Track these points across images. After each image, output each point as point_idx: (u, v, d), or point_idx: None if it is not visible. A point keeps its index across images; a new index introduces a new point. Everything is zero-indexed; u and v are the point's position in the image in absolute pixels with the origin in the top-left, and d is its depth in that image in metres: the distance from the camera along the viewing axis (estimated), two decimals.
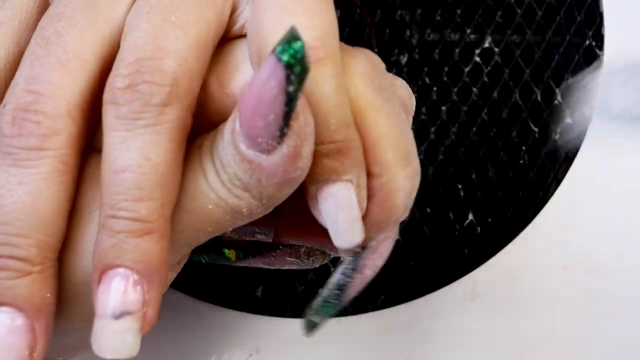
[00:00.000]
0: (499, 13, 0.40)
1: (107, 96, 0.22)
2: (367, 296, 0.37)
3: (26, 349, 0.22)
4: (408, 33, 0.40)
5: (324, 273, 0.37)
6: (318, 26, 0.23)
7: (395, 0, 0.40)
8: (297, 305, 0.37)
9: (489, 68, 0.39)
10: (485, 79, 0.39)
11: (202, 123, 0.24)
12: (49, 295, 0.22)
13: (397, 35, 0.40)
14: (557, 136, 0.39)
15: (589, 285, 0.37)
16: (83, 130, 0.23)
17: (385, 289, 0.37)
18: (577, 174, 0.38)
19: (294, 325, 0.36)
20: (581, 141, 0.38)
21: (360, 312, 0.36)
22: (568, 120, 0.39)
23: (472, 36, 0.40)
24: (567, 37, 0.40)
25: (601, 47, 0.39)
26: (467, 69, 0.39)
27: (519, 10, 0.40)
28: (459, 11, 0.40)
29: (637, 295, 0.37)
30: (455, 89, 0.39)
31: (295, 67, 0.21)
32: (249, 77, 0.24)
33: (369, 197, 0.24)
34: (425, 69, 0.39)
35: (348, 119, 0.23)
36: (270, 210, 0.23)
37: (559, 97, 0.39)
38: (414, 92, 0.39)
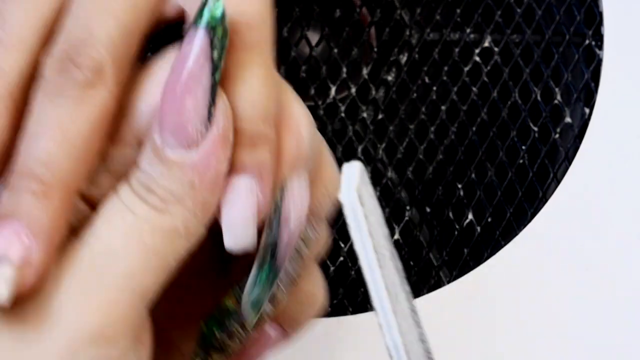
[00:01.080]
0: (499, 13, 0.40)
1: (36, 75, 0.23)
2: (367, 296, 0.37)
3: None
4: (408, 33, 0.40)
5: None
6: (249, 11, 0.23)
7: (395, 0, 0.40)
8: None
9: (488, 68, 0.39)
10: (485, 79, 0.39)
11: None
12: (58, 221, 0.22)
13: (397, 35, 0.40)
14: (557, 136, 0.39)
15: (589, 285, 0.37)
16: (22, 109, 0.23)
17: None
18: (577, 174, 0.38)
19: None
20: (581, 141, 0.38)
21: (360, 311, 0.36)
22: (568, 120, 0.39)
23: (471, 36, 0.40)
24: (567, 37, 0.40)
25: (601, 47, 0.39)
26: (466, 69, 0.39)
27: (518, 10, 0.40)
28: (458, 11, 0.40)
29: (637, 295, 0.37)
30: (455, 89, 0.39)
31: (217, 28, 0.21)
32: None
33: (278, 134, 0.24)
34: (425, 69, 0.39)
35: (269, 113, 0.23)
36: (205, 224, 0.23)
37: (558, 97, 0.39)
38: (414, 92, 0.39)
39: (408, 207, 0.38)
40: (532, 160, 0.38)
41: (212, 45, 0.22)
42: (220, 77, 0.22)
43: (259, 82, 0.23)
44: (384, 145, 0.38)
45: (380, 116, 0.39)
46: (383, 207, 0.38)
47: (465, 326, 0.36)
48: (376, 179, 0.38)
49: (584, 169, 0.38)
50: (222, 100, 0.22)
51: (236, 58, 0.23)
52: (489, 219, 0.38)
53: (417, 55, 0.39)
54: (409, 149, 0.38)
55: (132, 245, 0.22)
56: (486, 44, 0.40)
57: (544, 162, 0.38)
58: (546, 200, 0.38)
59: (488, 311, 0.36)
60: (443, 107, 0.39)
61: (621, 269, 0.37)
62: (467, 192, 0.38)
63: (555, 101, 0.39)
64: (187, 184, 0.22)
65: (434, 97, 0.39)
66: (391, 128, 0.39)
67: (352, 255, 0.37)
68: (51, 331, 0.21)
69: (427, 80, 0.39)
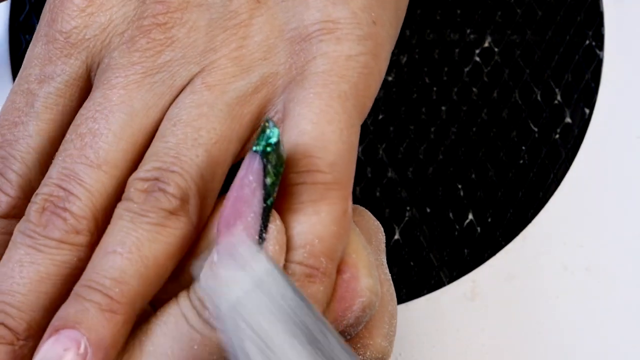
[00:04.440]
0: (499, 13, 0.40)
1: (123, 195, 0.24)
2: None
3: None
4: (407, 33, 0.40)
5: None
6: (330, 150, 0.24)
7: None
8: None
9: (488, 68, 0.39)
10: (485, 79, 0.39)
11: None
12: None
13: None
14: (557, 136, 0.39)
15: (589, 285, 0.37)
16: (102, 230, 0.24)
17: None
18: (577, 174, 0.38)
19: None
20: (581, 141, 0.38)
21: None
22: (568, 120, 0.39)
23: (472, 36, 0.40)
24: (567, 37, 0.40)
25: (601, 47, 0.39)
26: (467, 69, 0.39)
27: (519, 10, 0.40)
28: (458, 11, 0.40)
29: (637, 295, 0.37)
30: (455, 89, 0.39)
31: (270, 155, 0.22)
32: None
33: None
34: (425, 69, 0.39)
35: (334, 251, 0.24)
36: None
37: (558, 97, 0.39)
38: (413, 92, 0.39)
39: (408, 207, 0.38)
40: (532, 160, 0.38)
41: (265, 172, 0.22)
42: (273, 203, 0.22)
43: (330, 218, 0.23)
44: (384, 145, 0.38)
45: (380, 116, 0.39)
46: (383, 207, 0.38)
47: (465, 326, 0.36)
48: (376, 179, 0.38)
49: (584, 169, 0.38)
50: (275, 225, 0.23)
51: (314, 191, 0.23)
52: (489, 219, 0.38)
53: (417, 56, 0.39)
54: (409, 149, 0.38)
55: (179, 353, 0.23)
56: (486, 44, 0.40)
57: (544, 162, 0.38)
58: (546, 200, 0.38)
59: (488, 311, 0.36)
60: (443, 108, 0.39)
61: (621, 269, 0.37)
62: (467, 192, 0.38)
63: (555, 101, 0.39)
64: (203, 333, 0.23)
65: (434, 97, 0.39)
66: (391, 128, 0.39)
67: None
68: None
69: (427, 80, 0.39)
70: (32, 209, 0.24)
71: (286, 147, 0.24)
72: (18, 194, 0.25)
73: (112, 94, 0.25)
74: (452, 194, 0.38)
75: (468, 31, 0.40)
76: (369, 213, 0.28)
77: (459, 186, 0.38)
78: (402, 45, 0.39)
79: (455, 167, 0.38)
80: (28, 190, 0.25)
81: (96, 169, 0.24)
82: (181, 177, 0.24)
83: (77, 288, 0.23)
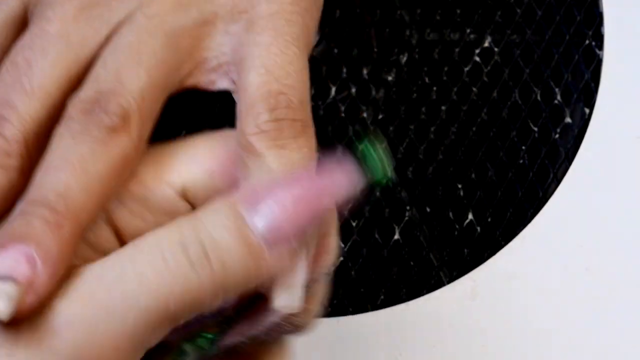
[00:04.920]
0: (499, 13, 0.40)
1: (62, 116, 0.24)
2: (366, 296, 0.37)
3: None
4: (408, 33, 0.40)
5: None
6: (297, 89, 0.25)
7: (395, 0, 0.40)
8: None
9: (488, 68, 0.39)
10: (485, 79, 0.39)
11: (147, 221, 0.25)
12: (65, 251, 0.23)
13: (397, 35, 0.40)
14: (557, 136, 0.39)
15: (589, 285, 0.37)
16: (37, 153, 0.24)
17: (385, 289, 0.37)
18: (577, 174, 0.38)
19: None
20: (581, 141, 0.38)
21: (360, 311, 0.36)
22: (568, 120, 0.39)
23: (471, 36, 0.40)
24: (567, 37, 0.40)
25: (601, 47, 0.39)
26: (466, 69, 0.39)
27: (518, 10, 0.40)
28: (458, 11, 0.40)
29: (637, 295, 0.37)
30: (455, 89, 0.39)
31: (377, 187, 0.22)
32: (186, 174, 0.25)
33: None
34: (425, 69, 0.39)
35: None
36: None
37: (558, 97, 0.39)
38: (413, 92, 0.39)
39: (408, 207, 0.38)
40: (532, 160, 0.38)
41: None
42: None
43: (310, 155, 0.25)
44: (384, 145, 0.38)
45: (380, 116, 0.39)
46: (383, 207, 0.38)
47: (465, 326, 0.36)
48: None
49: (584, 169, 0.38)
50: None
51: (294, 128, 0.24)
52: (489, 219, 0.38)
53: (417, 55, 0.39)
54: (409, 149, 0.38)
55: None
56: (486, 44, 0.40)
57: (544, 162, 0.38)
58: (546, 200, 0.38)
59: (488, 311, 0.36)
60: (443, 107, 0.39)
61: (621, 269, 0.37)
62: (467, 192, 0.38)
63: (555, 101, 0.39)
64: (247, 256, 0.23)
65: (434, 97, 0.39)
66: (391, 128, 0.39)
67: (352, 255, 0.37)
68: (40, 354, 0.21)
69: (427, 80, 0.39)
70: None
71: (253, 87, 0.24)
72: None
73: (49, 26, 0.25)
74: (452, 194, 0.38)
75: (468, 31, 0.40)
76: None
77: (459, 186, 0.38)
78: (402, 45, 0.39)
79: (455, 167, 0.38)
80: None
81: (29, 95, 0.24)
82: (122, 97, 0.24)
83: (21, 205, 0.23)
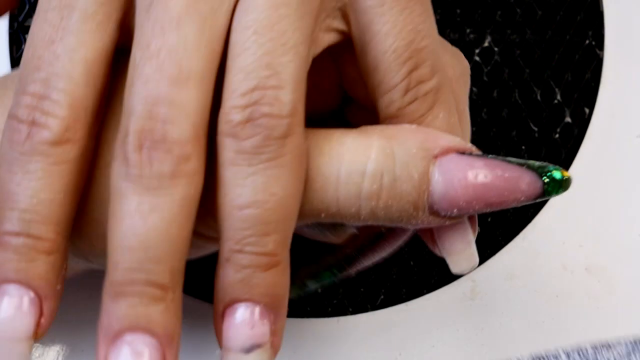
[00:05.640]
0: (499, 12, 0.40)
1: (224, 127, 0.22)
2: (366, 296, 0.37)
3: None
4: None
5: None
6: (429, 59, 0.24)
7: None
8: (292, 306, 0.37)
9: (488, 67, 0.39)
10: (485, 79, 0.39)
11: None
12: (178, 323, 0.22)
13: None
14: (557, 136, 0.39)
15: (589, 285, 0.37)
16: (207, 147, 0.22)
17: (385, 289, 0.37)
18: (577, 174, 0.38)
19: (292, 324, 0.36)
20: (581, 141, 0.38)
21: (360, 311, 0.36)
22: (568, 119, 0.39)
23: (471, 35, 0.40)
24: (567, 37, 0.40)
25: (601, 47, 0.39)
26: None
27: (518, 10, 0.40)
28: (458, 11, 0.40)
29: (637, 295, 0.37)
30: None
31: (552, 193, 0.24)
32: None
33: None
34: None
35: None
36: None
37: (558, 97, 0.39)
38: None
39: None
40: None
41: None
42: None
43: (446, 121, 0.25)
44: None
45: None
46: None
47: (465, 326, 0.36)
48: None
49: (584, 169, 0.38)
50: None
51: (428, 100, 0.24)
52: (489, 219, 0.38)
53: None
54: None
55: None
56: (486, 44, 0.40)
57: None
58: (546, 200, 0.38)
59: (488, 311, 0.36)
60: None
61: (621, 269, 0.37)
62: None
63: (555, 101, 0.39)
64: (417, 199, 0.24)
65: None
66: None
67: None
68: None
69: None
70: (128, 150, 0.21)
71: (382, 52, 0.24)
72: (69, 113, 0.22)
73: (171, 2, 0.22)
74: None
75: (468, 31, 0.40)
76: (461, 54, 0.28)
77: None
78: None
79: None
80: (80, 109, 0.22)
81: (184, 85, 0.21)
82: (282, 89, 0.21)
83: (228, 255, 0.22)
